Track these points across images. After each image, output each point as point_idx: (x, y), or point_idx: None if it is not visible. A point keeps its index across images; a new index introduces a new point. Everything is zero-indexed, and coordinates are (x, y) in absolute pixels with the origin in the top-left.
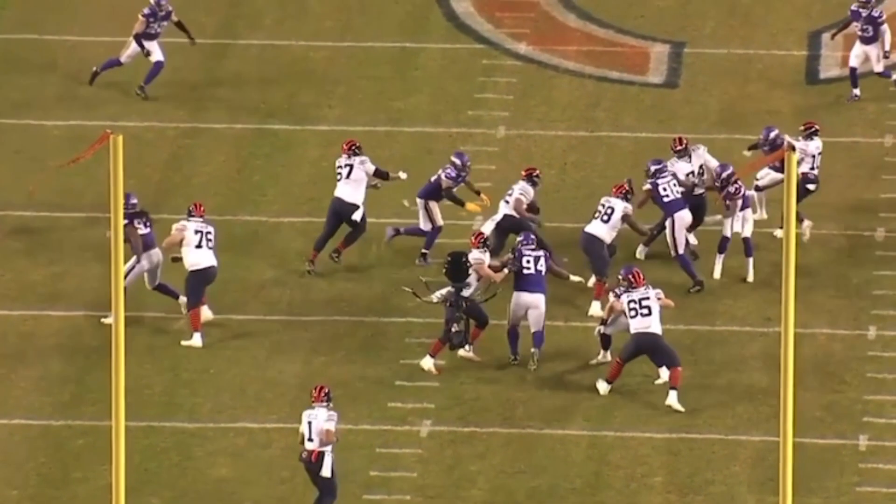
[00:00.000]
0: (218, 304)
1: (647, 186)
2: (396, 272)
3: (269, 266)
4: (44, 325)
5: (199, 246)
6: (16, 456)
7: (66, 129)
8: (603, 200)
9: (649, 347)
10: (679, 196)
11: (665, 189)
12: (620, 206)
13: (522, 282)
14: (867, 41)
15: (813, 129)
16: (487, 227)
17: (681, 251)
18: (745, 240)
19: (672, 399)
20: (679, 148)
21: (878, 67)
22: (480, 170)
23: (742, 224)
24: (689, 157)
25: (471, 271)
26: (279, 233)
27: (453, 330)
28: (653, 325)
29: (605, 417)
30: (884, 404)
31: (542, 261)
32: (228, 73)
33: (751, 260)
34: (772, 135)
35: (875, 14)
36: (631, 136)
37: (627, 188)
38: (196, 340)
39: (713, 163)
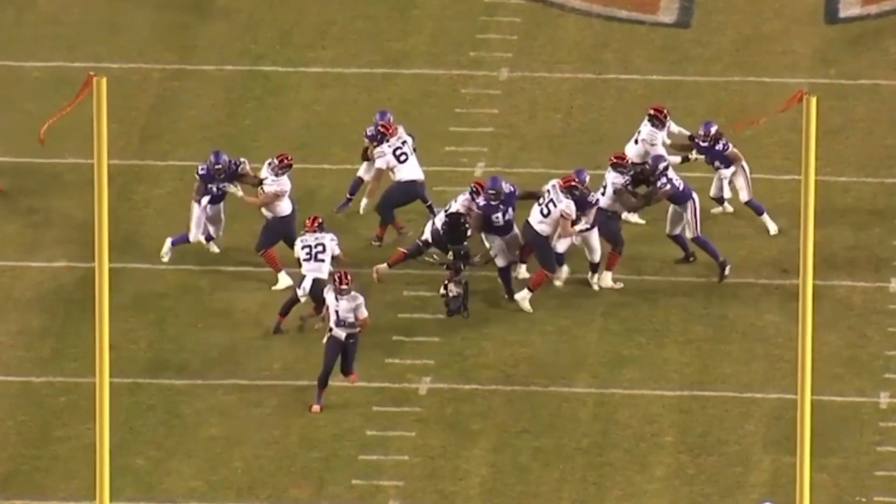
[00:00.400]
0: (206, 256)
1: (667, 187)
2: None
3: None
4: (23, 277)
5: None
6: None
7: (47, 71)
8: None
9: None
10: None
11: (676, 180)
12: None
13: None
14: None
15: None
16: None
17: (699, 232)
18: (749, 202)
19: (521, 295)
20: (662, 117)
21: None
22: (482, 114)
23: (737, 191)
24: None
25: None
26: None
27: (451, 295)
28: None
29: (613, 374)
30: None
31: (509, 212)
32: (217, 11)
33: (765, 216)
34: (712, 130)
35: None
36: (640, 78)
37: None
38: (283, 280)
39: (676, 129)
